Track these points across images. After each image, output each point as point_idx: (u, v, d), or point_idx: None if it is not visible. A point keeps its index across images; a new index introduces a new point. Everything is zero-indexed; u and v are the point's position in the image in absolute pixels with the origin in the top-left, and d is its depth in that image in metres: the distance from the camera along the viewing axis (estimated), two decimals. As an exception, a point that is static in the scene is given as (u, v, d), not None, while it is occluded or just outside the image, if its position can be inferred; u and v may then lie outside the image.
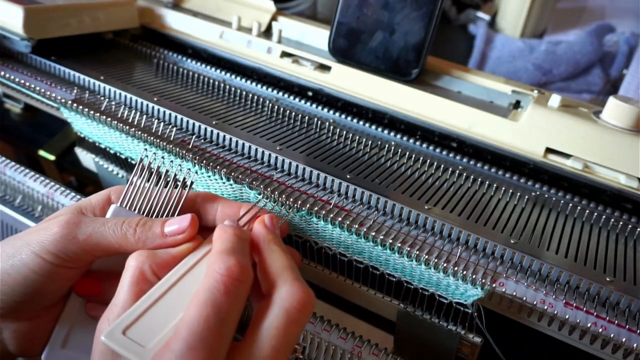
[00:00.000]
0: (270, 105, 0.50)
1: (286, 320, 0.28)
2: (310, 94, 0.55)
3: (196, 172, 0.40)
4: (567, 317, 0.32)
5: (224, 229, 0.31)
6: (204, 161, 0.41)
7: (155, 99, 0.48)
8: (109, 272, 0.34)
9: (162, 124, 0.45)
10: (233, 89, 0.53)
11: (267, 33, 0.60)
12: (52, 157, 0.70)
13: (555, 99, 0.47)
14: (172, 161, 0.41)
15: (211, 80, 0.54)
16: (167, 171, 0.36)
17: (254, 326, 0.28)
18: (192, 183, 0.36)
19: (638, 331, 0.32)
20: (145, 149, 0.43)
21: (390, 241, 0.35)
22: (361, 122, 0.52)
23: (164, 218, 0.33)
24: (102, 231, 0.32)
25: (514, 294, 0.33)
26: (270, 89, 0.56)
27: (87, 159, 0.56)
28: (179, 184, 0.35)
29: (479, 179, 0.44)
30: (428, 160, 0.46)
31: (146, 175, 0.36)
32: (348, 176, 0.41)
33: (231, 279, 0.27)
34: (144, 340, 0.27)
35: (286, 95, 0.55)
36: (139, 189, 0.35)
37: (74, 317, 0.34)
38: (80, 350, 0.34)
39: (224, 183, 0.40)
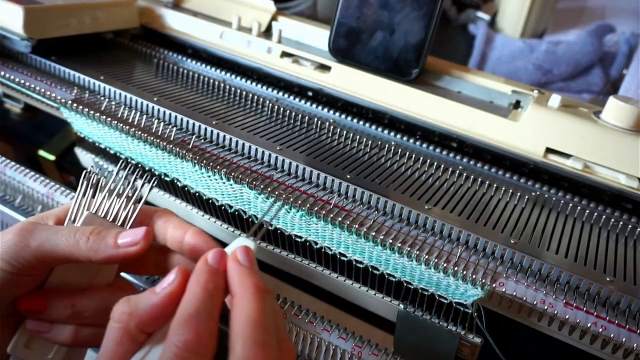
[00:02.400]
0: (270, 105, 0.50)
1: None
2: (310, 94, 0.55)
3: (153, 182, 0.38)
4: (567, 317, 0.32)
5: (195, 281, 0.28)
6: (204, 161, 0.41)
7: (155, 99, 0.48)
8: (58, 288, 0.33)
9: (162, 124, 0.45)
10: (233, 89, 0.53)
11: (267, 33, 0.60)
12: (52, 157, 0.70)
13: (555, 99, 0.47)
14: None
15: (211, 80, 0.54)
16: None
17: None
18: (151, 187, 0.35)
19: (638, 331, 0.32)
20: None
21: (390, 241, 0.35)
22: (361, 122, 0.52)
23: (118, 229, 0.32)
24: (54, 238, 0.31)
25: (514, 294, 0.33)
26: (270, 89, 0.56)
27: (87, 159, 0.56)
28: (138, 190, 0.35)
29: (479, 179, 0.44)
30: (428, 160, 0.46)
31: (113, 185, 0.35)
32: (348, 176, 0.41)
33: (188, 352, 0.26)
34: None
35: (286, 95, 0.55)
36: (110, 199, 0.34)
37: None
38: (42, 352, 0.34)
39: (224, 183, 0.40)
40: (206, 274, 0.29)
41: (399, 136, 0.50)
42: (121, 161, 0.37)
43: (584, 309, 0.33)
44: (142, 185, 0.35)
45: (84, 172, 0.35)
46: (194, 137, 0.44)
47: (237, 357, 0.26)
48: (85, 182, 0.35)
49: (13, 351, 0.33)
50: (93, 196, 0.35)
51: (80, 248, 0.31)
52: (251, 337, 0.26)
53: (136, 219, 0.34)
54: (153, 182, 0.35)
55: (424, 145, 0.49)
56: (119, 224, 0.34)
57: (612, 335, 0.32)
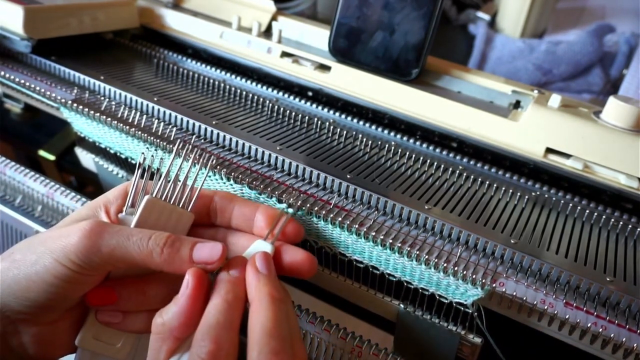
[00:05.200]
0: (270, 105, 0.50)
1: None
2: (310, 94, 0.55)
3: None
4: (567, 317, 0.32)
5: (216, 292, 0.30)
6: (204, 161, 0.40)
7: (155, 99, 0.48)
8: (125, 278, 0.33)
9: (162, 124, 0.45)
10: (233, 89, 0.53)
11: (267, 33, 0.60)
12: (52, 157, 0.70)
13: (555, 99, 0.47)
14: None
15: (211, 80, 0.54)
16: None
17: None
18: (210, 167, 0.35)
19: (638, 331, 0.32)
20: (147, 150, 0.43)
21: (390, 241, 0.35)
22: (361, 122, 0.52)
23: (193, 239, 0.32)
24: (126, 245, 0.31)
25: (514, 294, 0.33)
26: (270, 89, 0.56)
27: (87, 159, 0.56)
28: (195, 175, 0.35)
29: (479, 179, 0.44)
30: (428, 160, 0.46)
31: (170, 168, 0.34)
32: (348, 176, 0.41)
33: None
34: None
35: (286, 95, 0.55)
36: (165, 181, 0.34)
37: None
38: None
39: (224, 183, 0.40)
40: (226, 284, 0.31)
41: (399, 136, 0.50)
42: (178, 142, 0.37)
43: (584, 309, 0.33)
44: (202, 166, 0.35)
45: (141, 154, 0.35)
46: (194, 137, 0.44)
47: None
48: (141, 165, 0.34)
49: (81, 343, 0.33)
50: (151, 179, 0.34)
51: (154, 259, 0.31)
52: (266, 346, 0.28)
53: (197, 200, 0.34)
54: (212, 161, 0.35)
55: (424, 145, 0.49)
56: (180, 206, 0.34)
57: (612, 335, 0.32)
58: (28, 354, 0.32)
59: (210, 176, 0.41)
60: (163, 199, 0.33)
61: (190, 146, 0.40)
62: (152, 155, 0.35)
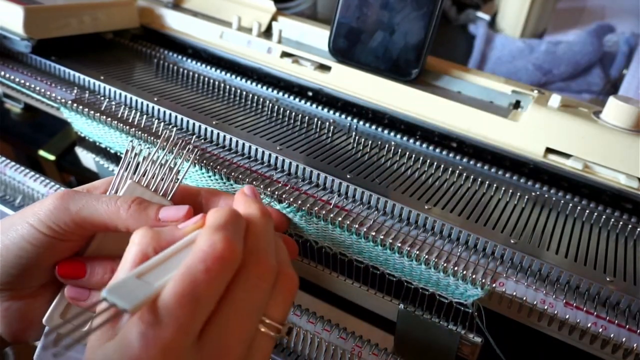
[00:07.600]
0: (270, 105, 0.51)
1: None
2: (310, 94, 0.55)
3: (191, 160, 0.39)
4: (567, 317, 0.32)
5: (219, 208, 0.29)
6: (204, 161, 0.41)
7: (155, 99, 0.48)
8: (98, 256, 0.33)
9: (162, 124, 0.45)
10: (233, 89, 0.53)
11: (267, 33, 0.60)
12: (52, 157, 0.70)
13: (555, 99, 0.47)
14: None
15: (211, 80, 0.54)
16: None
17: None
18: (193, 159, 0.36)
19: (638, 331, 0.32)
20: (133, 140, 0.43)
21: (390, 241, 0.35)
22: (361, 122, 0.52)
23: (160, 202, 0.32)
24: (94, 204, 0.31)
25: (514, 293, 0.33)
26: (270, 89, 0.56)
27: (87, 158, 0.56)
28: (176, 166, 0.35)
29: (479, 179, 0.44)
30: (428, 160, 0.46)
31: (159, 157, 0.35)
32: (348, 176, 0.41)
33: (213, 257, 0.25)
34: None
35: (286, 95, 0.55)
36: (153, 170, 0.34)
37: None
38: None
39: (224, 183, 0.40)
40: (229, 207, 0.30)
41: (398, 136, 0.50)
42: (165, 133, 0.37)
43: (584, 309, 0.33)
44: (184, 157, 0.35)
45: (128, 143, 0.35)
46: (194, 137, 0.44)
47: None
48: (128, 155, 0.35)
49: (48, 322, 0.33)
50: (136, 169, 0.35)
51: (120, 216, 0.31)
52: (253, 246, 0.28)
53: (179, 192, 0.34)
54: (196, 154, 0.36)
55: (424, 145, 0.49)
56: (161, 194, 0.34)
57: (612, 335, 0.32)
58: None
59: (210, 177, 0.41)
60: (145, 185, 0.34)
61: (177, 139, 0.41)
62: (140, 146, 0.35)
